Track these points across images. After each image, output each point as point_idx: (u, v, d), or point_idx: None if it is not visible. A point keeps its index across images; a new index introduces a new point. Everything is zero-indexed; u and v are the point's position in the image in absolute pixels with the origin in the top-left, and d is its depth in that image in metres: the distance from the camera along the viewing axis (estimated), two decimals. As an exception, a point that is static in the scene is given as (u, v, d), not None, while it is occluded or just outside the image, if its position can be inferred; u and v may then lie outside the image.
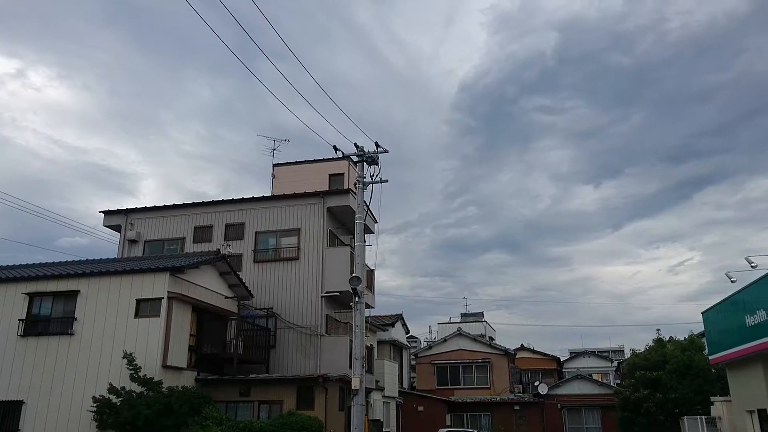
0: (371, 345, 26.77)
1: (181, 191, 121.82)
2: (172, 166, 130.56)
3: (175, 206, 25.89)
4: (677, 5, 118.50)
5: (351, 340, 17.49)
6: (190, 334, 19.56)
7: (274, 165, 28.20)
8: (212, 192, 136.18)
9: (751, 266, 16.58)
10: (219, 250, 22.00)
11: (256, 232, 24.62)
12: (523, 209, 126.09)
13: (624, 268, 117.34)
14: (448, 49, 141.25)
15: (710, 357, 22.31)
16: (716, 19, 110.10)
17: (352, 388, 15.17)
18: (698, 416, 22.98)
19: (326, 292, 23.02)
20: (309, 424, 17.37)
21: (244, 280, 22.38)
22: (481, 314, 50.47)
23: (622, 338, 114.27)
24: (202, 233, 25.09)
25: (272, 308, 22.90)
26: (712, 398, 24.15)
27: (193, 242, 24.88)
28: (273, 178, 27.92)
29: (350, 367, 17.73)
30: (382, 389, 27.68)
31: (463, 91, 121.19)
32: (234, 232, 24.87)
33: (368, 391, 24.22)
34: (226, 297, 21.27)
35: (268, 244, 24.41)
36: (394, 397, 30.51)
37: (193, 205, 25.77)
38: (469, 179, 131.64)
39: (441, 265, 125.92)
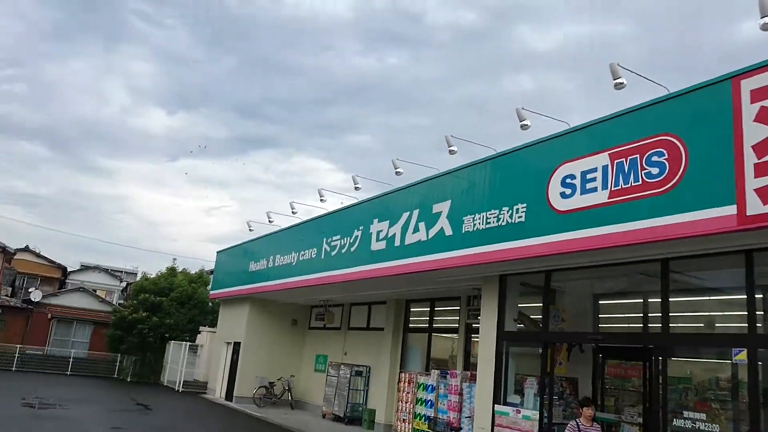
0: None
1: None
2: None
3: None
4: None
5: None
6: None
7: None
8: None
9: (269, 221, 18.77)
10: None
11: None
12: (85, 107, 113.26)
13: (166, 198, 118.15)
14: None
15: (211, 291, 24.44)
16: (322, 12, 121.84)
17: None
18: (184, 342, 24.85)
19: None
20: None
21: None
22: (-13, 203, 43.17)
23: (142, 262, 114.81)
24: None
25: None
26: (201, 328, 26.52)
27: None
28: None
29: None
30: None
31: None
32: None
33: None
34: None
35: None
36: None
37: None
38: (31, 52, 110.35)
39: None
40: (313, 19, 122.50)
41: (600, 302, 11.02)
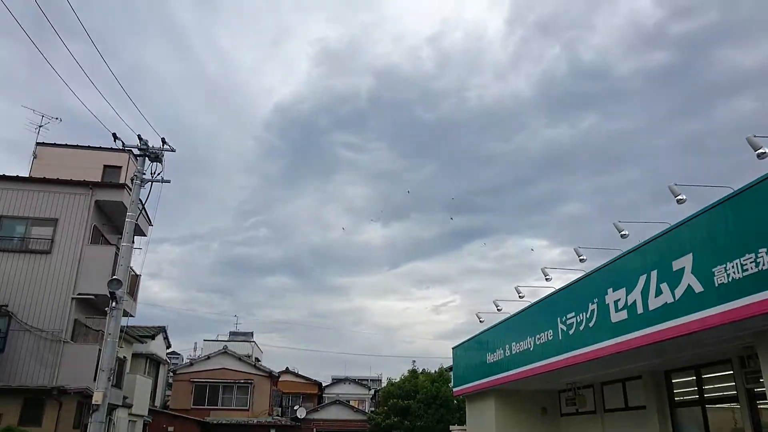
0: (124, 357, 24.45)
1: None
2: None
3: None
4: (477, 79, 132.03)
5: (100, 350, 15.73)
6: None
7: (38, 144, 24.67)
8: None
9: (498, 309, 18.67)
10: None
11: (0, 216, 21.18)
12: (314, 236, 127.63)
13: (396, 303, 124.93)
14: (270, 68, 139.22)
15: (454, 389, 24.51)
16: (504, 97, 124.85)
17: (93, 402, 13.56)
18: (437, 443, 24.97)
19: (80, 294, 20.52)
20: (30, 442, 15.10)
21: (-26, 270, 18.98)
22: (251, 334, 49.46)
23: (384, 368, 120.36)
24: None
25: (7, 306, 19.70)
26: (451, 427, 26.49)
27: None
28: (34, 157, 24.38)
29: (95, 379, 15.90)
30: (129, 406, 25.34)
31: (277, 112, 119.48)
32: (-30, 211, 21.11)
33: (113, 408, 21.96)
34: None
35: (14, 232, 21.10)
36: (142, 416, 28.13)
37: None
38: (267, 200, 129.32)
39: (222, 282, 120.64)
40: (498, 106, 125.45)
41: None
